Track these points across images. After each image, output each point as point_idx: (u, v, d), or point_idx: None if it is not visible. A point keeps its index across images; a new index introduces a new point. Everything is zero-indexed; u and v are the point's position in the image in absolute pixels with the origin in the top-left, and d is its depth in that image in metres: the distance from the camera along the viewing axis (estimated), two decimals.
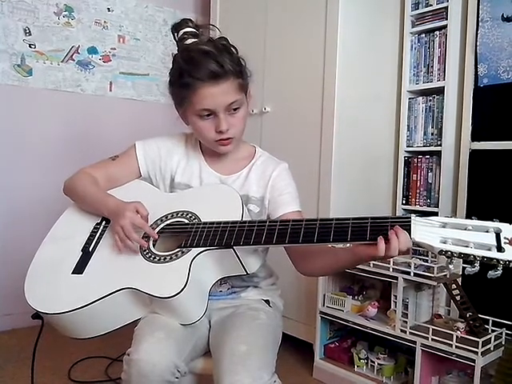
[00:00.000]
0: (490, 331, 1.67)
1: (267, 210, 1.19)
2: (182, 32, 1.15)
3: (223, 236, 0.99)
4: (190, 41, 1.13)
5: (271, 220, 1.04)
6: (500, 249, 0.79)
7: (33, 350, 1.19)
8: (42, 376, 1.89)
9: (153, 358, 0.94)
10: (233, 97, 1.10)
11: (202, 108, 1.09)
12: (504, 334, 1.68)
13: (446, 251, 0.82)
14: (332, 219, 0.93)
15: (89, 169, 1.24)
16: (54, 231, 1.21)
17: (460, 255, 0.81)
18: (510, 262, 0.78)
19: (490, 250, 0.80)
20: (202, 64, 1.06)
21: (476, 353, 1.54)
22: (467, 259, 0.81)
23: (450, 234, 0.83)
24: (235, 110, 1.12)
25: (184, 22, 1.16)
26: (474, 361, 1.55)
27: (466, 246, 0.81)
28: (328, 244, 0.95)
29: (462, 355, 1.57)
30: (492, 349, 1.59)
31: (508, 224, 0.82)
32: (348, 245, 0.98)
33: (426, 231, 0.85)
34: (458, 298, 1.69)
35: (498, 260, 0.78)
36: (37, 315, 1.05)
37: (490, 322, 1.70)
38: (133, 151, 1.23)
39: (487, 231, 0.82)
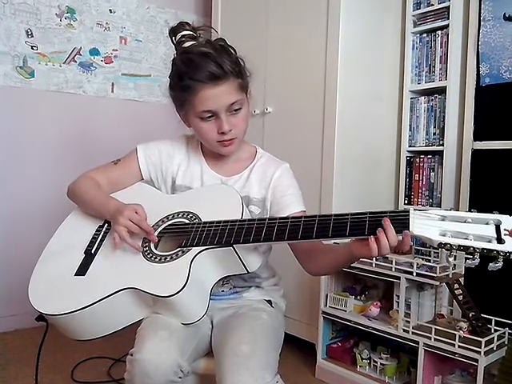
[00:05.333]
0: (492, 331, 1.66)
1: (269, 212, 1.19)
2: (179, 35, 1.15)
3: (223, 234, 1.00)
4: (188, 43, 1.13)
5: (270, 218, 1.04)
6: (500, 240, 0.79)
7: (37, 351, 1.19)
8: (45, 376, 1.89)
9: (156, 357, 0.95)
10: (234, 97, 1.10)
11: (204, 110, 1.09)
12: (507, 333, 1.67)
13: (445, 244, 0.82)
14: (331, 215, 0.94)
15: (91, 173, 1.25)
16: (58, 234, 1.22)
17: (459, 247, 0.81)
18: (510, 253, 0.78)
19: (490, 241, 0.80)
20: (201, 66, 1.06)
21: (479, 352, 1.54)
22: (467, 251, 0.81)
23: (449, 226, 0.83)
24: (236, 110, 1.12)
25: (181, 25, 1.16)
26: (476, 360, 1.54)
27: (466, 239, 0.81)
28: (327, 239, 0.95)
29: (464, 355, 1.57)
30: (495, 348, 1.59)
31: (508, 216, 0.82)
32: (348, 241, 0.98)
33: (425, 224, 0.85)
34: (460, 297, 1.69)
35: (498, 252, 0.78)
36: (40, 317, 1.06)
37: (493, 321, 1.69)
38: (134, 155, 1.24)
39: (487, 223, 0.82)
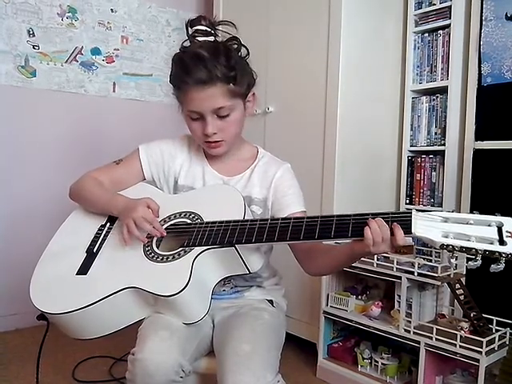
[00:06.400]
0: (494, 331, 1.66)
1: (270, 212, 1.19)
2: (194, 29, 1.15)
3: (225, 234, 1.00)
4: (199, 39, 1.13)
5: (272, 218, 1.04)
6: (502, 242, 0.79)
7: (38, 350, 1.19)
8: (46, 375, 1.90)
9: (157, 357, 0.95)
10: (220, 102, 1.09)
11: (190, 110, 1.11)
12: (508, 333, 1.67)
13: (448, 245, 0.82)
14: (333, 216, 0.94)
15: (94, 173, 1.25)
16: (59, 234, 1.22)
17: (461, 249, 0.81)
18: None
19: (492, 243, 0.80)
20: (189, 68, 1.07)
21: (480, 352, 1.54)
22: (469, 253, 0.81)
23: (451, 228, 0.83)
24: (224, 115, 1.11)
25: (199, 19, 1.16)
26: (478, 360, 1.54)
27: (468, 240, 0.81)
28: (329, 240, 0.95)
29: (466, 355, 1.57)
30: (496, 348, 1.59)
31: (510, 218, 0.82)
32: (349, 241, 0.98)
33: (427, 225, 0.85)
34: (461, 297, 1.69)
35: (500, 253, 0.79)
36: (41, 316, 1.06)
37: (494, 321, 1.69)
38: (136, 155, 1.24)
39: (489, 225, 0.82)
